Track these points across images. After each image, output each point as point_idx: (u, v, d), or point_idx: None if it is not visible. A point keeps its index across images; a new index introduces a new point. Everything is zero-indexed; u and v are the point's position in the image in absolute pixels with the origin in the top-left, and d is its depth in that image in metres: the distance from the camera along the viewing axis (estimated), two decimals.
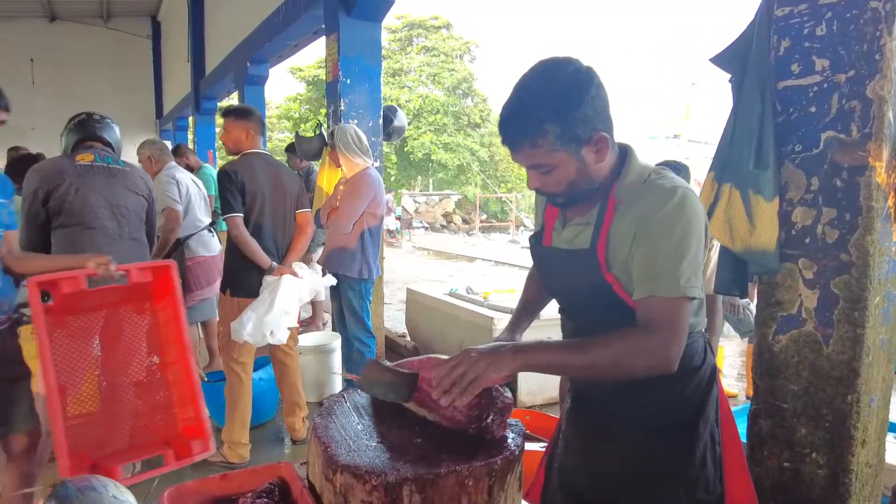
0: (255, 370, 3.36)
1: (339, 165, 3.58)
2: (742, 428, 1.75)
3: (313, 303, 5.20)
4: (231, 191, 2.93)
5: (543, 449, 1.65)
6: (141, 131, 12.99)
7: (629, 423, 1.31)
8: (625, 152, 1.27)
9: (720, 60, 1.66)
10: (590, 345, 1.15)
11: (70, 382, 2.04)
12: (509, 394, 1.20)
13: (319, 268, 4.57)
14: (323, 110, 21.33)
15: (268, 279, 2.97)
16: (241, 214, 2.94)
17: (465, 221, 24.65)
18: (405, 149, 25.21)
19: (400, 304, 7.07)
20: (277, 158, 3.38)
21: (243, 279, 2.99)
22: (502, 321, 3.79)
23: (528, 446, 1.38)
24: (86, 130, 2.85)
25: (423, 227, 22.47)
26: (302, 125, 23.61)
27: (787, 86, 1.57)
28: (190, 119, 12.24)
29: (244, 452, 3.02)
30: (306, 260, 4.50)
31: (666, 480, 1.29)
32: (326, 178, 4.12)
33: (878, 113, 1.41)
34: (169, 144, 11.72)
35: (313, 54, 27.12)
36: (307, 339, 4.09)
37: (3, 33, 12.89)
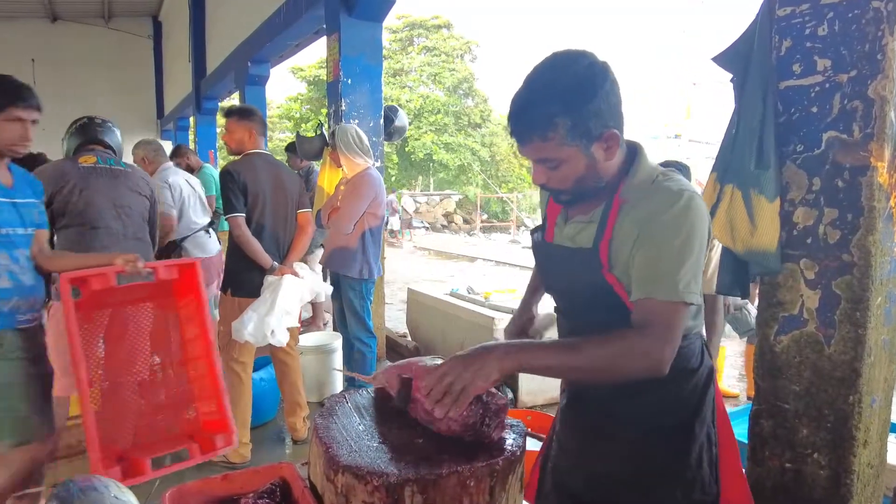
0: (255, 370, 3.37)
1: (339, 165, 3.58)
2: (743, 428, 1.76)
3: (314, 303, 5.20)
4: (233, 191, 2.93)
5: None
6: (142, 131, 13.01)
7: (626, 423, 1.31)
8: (634, 151, 1.25)
9: (722, 60, 1.66)
10: (582, 345, 1.12)
11: (96, 377, 2.09)
12: (507, 393, 1.20)
13: (320, 269, 4.58)
14: (324, 110, 21.34)
15: (269, 279, 2.98)
16: (244, 214, 2.95)
17: (465, 221, 24.65)
18: (406, 149, 25.22)
19: (401, 304, 7.07)
20: (278, 158, 3.39)
21: (244, 279, 2.99)
22: (503, 321, 3.78)
23: (530, 446, 1.38)
24: (87, 134, 2.90)
25: (424, 227, 22.47)
26: (303, 125, 23.61)
27: (789, 86, 1.57)
28: (191, 119, 12.25)
29: (245, 452, 3.03)
30: (305, 261, 4.50)
31: (663, 481, 1.29)
32: (327, 179, 4.12)
33: (879, 113, 1.41)
34: (170, 144, 11.73)
35: (314, 54, 27.14)
36: (308, 339, 4.09)
37: (4, 33, 12.91)
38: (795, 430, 1.58)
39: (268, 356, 3.41)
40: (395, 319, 6.44)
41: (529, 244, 1.54)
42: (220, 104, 10.81)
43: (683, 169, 3.11)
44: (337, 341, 3.93)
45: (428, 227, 22.84)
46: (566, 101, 1.10)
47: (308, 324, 5.37)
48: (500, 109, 27.63)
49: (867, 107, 1.42)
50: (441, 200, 25.28)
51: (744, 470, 1.67)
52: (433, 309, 4.82)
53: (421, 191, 27.87)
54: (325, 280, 4.22)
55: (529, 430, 1.97)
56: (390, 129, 4.81)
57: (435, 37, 27.44)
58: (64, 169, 2.73)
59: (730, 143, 1.63)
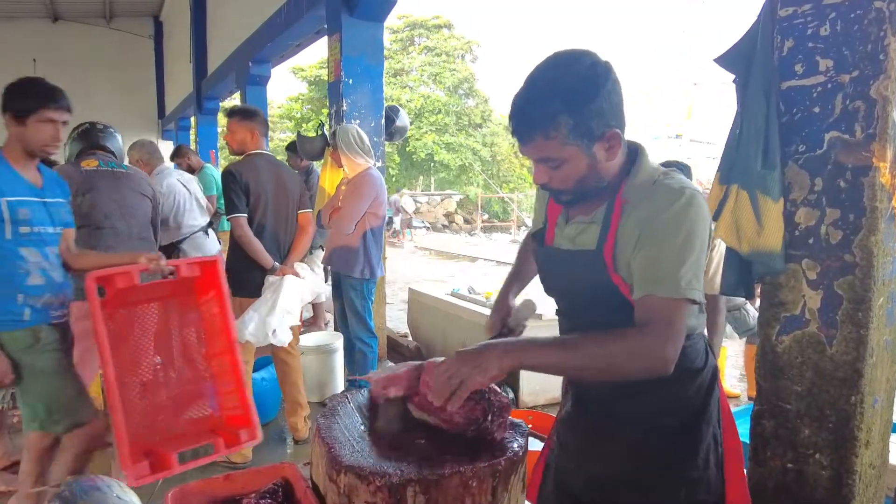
0: (256, 370, 3.37)
1: (341, 165, 3.58)
2: (744, 428, 1.76)
3: (315, 303, 5.20)
4: (235, 191, 2.94)
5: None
6: (143, 131, 13.03)
7: (630, 423, 1.30)
8: (635, 151, 1.25)
9: (724, 61, 1.66)
10: (582, 343, 1.11)
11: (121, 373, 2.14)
12: (508, 393, 1.20)
13: (320, 269, 4.58)
14: (325, 110, 21.34)
15: (270, 279, 2.98)
16: (246, 215, 2.96)
17: (466, 221, 24.63)
18: (407, 149, 25.22)
19: (402, 304, 7.07)
20: (278, 158, 3.40)
21: (246, 279, 2.99)
22: None
23: (532, 447, 1.38)
24: (89, 139, 2.97)
25: (425, 226, 22.47)
26: (304, 125, 23.63)
27: (791, 86, 1.56)
28: (192, 119, 12.25)
29: (247, 452, 3.03)
30: (306, 262, 4.50)
31: (667, 481, 1.28)
32: (329, 179, 4.12)
33: (882, 113, 1.41)
34: (171, 144, 11.73)
35: (315, 54, 27.11)
36: (309, 339, 4.09)
37: (5, 33, 12.92)
38: (797, 431, 1.58)
39: (269, 356, 3.42)
40: (396, 319, 6.44)
41: (521, 240, 1.54)
42: (221, 104, 10.83)
43: (685, 169, 3.11)
44: (338, 341, 3.94)
45: (429, 227, 22.84)
46: (568, 100, 1.10)
47: (309, 324, 5.37)
48: (501, 109, 27.65)
49: (869, 107, 1.42)
50: (442, 200, 25.27)
51: (745, 470, 1.68)
52: (434, 309, 4.82)
53: (422, 191, 27.87)
54: (326, 280, 4.22)
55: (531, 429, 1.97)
56: (391, 129, 4.81)
57: (436, 37, 27.43)
58: (67, 172, 2.78)
59: (734, 144, 1.63)
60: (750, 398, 4.04)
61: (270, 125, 4.65)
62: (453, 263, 13.70)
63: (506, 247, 17.38)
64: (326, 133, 4.26)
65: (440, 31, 27.54)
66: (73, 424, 2.13)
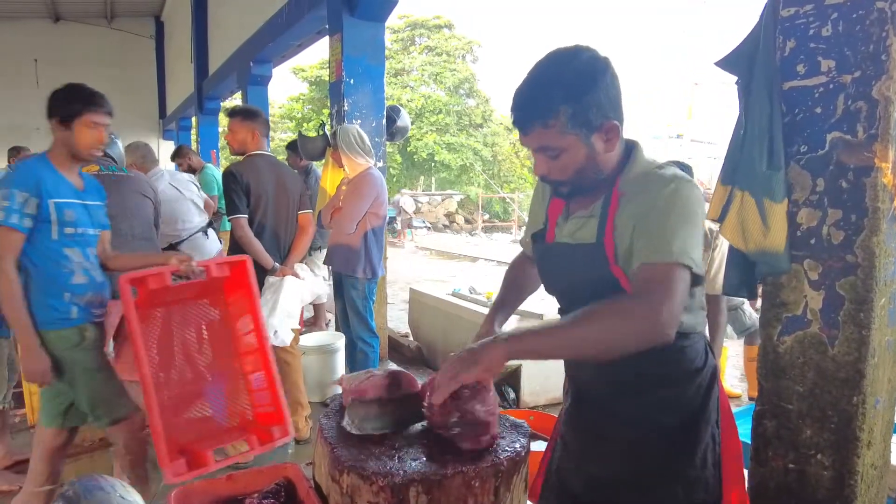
0: None
1: (341, 166, 3.58)
2: (746, 428, 1.76)
3: (316, 304, 5.20)
4: (236, 192, 2.95)
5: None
6: (144, 131, 13.04)
7: (630, 423, 1.30)
8: (631, 147, 1.27)
9: (725, 63, 1.66)
10: (576, 321, 1.08)
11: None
12: (509, 394, 1.19)
13: (322, 269, 4.58)
14: (325, 110, 21.32)
15: (270, 280, 2.99)
16: (246, 215, 2.96)
17: (467, 221, 24.62)
18: (409, 149, 25.22)
19: (403, 304, 7.07)
20: (279, 158, 3.40)
21: None
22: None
23: (534, 447, 1.38)
24: None
25: (426, 226, 22.46)
26: (305, 124, 23.65)
27: (793, 86, 1.56)
28: (193, 119, 12.26)
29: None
30: (306, 263, 4.50)
31: (666, 481, 1.29)
32: (330, 179, 4.12)
33: (884, 114, 1.41)
34: (172, 145, 11.72)
35: (315, 55, 27.11)
36: (310, 339, 4.09)
37: (7, 34, 12.94)
38: (799, 431, 1.58)
39: None
40: (396, 319, 6.44)
41: (521, 238, 1.54)
42: (222, 104, 10.83)
43: (686, 169, 3.10)
44: (339, 341, 3.94)
45: (429, 227, 22.83)
46: (567, 90, 1.13)
47: (310, 324, 5.37)
48: (502, 109, 27.61)
49: (871, 107, 1.42)
50: (443, 200, 25.25)
51: (745, 470, 1.68)
52: (435, 309, 4.82)
53: (423, 190, 27.87)
54: (328, 280, 4.21)
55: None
56: (392, 130, 4.81)
57: (437, 36, 27.43)
58: None
59: (738, 145, 1.63)
60: (751, 398, 4.04)
61: (271, 125, 4.65)
62: (454, 263, 13.70)
63: (506, 247, 17.38)
64: (328, 133, 4.26)
65: (441, 31, 27.54)
66: (114, 419, 2.21)
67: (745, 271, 1.65)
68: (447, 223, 24.27)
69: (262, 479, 1.24)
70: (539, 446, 1.86)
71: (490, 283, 5.51)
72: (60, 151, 2.15)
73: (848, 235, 1.47)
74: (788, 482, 1.61)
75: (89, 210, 2.21)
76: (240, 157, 3.13)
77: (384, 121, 4.69)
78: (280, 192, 3.10)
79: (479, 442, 1.10)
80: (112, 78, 13.87)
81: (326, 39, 4.93)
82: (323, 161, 4.39)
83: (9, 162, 6.11)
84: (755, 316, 3.81)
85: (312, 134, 4.43)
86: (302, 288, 3.08)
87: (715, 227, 2.50)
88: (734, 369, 4.84)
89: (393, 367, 1.33)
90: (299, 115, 26.19)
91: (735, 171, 1.63)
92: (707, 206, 1.77)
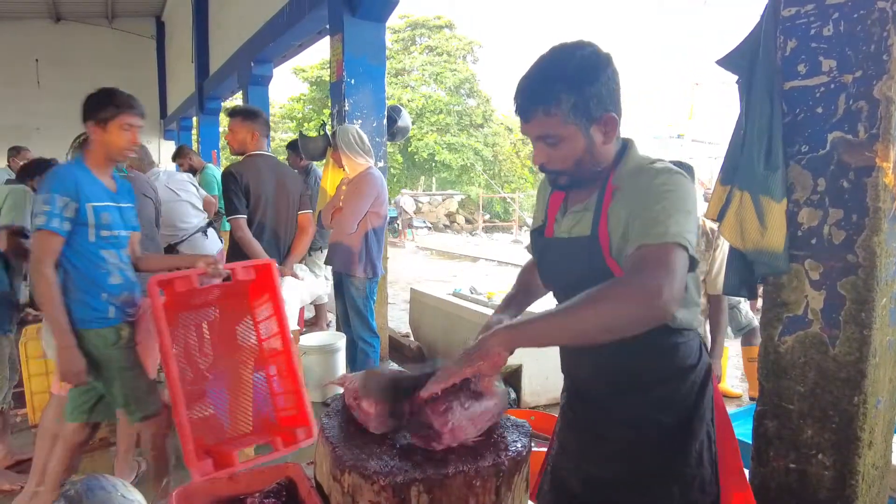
0: None
1: (341, 166, 3.59)
2: (747, 429, 1.76)
3: (317, 304, 5.20)
4: (235, 192, 2.95)
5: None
6: (145, 131, 12.98)
7: (625, 421, 1.31)
8: (626, 143, 1.30)
9: (726, 62, 1.66)
10: (576, 304, 1.05)
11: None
12: (510, 394, 1.18)
13: (324, 270, 4.58)
14: (326, 110, 21.30)
15: None
16: (245, 216, 2.97)
17: (468, 221, 24.61)
18: (409, 149, 25.21)
19: (404, 304, 7.07)
20: (280, 158, 3.40)
21: None
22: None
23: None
24: None
25: (427, 226, 22.45)
26: (305, 124, 23.64)
27: (794, 86, 1.56)
28: (194, 119, 12.27)
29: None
30: (306, 263, 4.50)
31: (661, 479, 1.29)
32: (331, 180, 4.12)
33: (885, 114, 1.41)
34: (173, 145, 11.71)
35: (316, 55, 27.11)
36: (311, 339, 4.09)
37: (8, 34, 12.95)
38: (800, 431, 1.58)
39: None
40: (397, 319, 6.44)
41: (527, 243, 1.55)
42: (223, 104, 10.83)
43: (687, 169, 3.10)
44: (340, 341, 3.94)
45: (430, 227, 22.83)
46: (571, 79, 1.17)
47: (312, 324, 5.37)
48: (503, 109, 27.61)
49: (872, 107, 1.42)
50: (443, 200, 25.24)
51: (746, 470, 1.68)
52: (436, 309, 4.82)
53: (423, 190, 27.86)
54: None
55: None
56: (393, 130, 4.81)
57: (437, 36, 27.41)
58: None
59: (738, 145, 1.63)
60: (751, 398, 4.04)
61: (272, 125, 4.64)
62: (455, 263, 13.70)
63: (507, 247, 17.38)
64: (328, 133, 4.26)
65: (442, 31, 27.52)
66: (145, 416, 2.27)
67: (745, 271, 1.65)
68: (448, 223, 24.25)
69: (264, 478, 1.24)
70: (540, 446, 1.86)
71: (491, 284, 5.52)
72: (96, 153, 2.21)
73: (849, 235, 1.47)
74: (790, 482, 1.61)
75: (122, 212, 2.27)
76: (240, 158, 3.14)
77: (385, 121, 4.69)
78: (280, 193, 3.10)
79: (427, 443, 1.09)
80: (113, 78, 13.75)
81: (327, 39, 4.93)
82: (324, 161, 4.39)
83: (8, 162, 6.11)
84: (751, 315, 3.83)
85: (313, 134, 4.43)
86: (301, 288, 3.08)
87: (716, 227, 2.51)
88: (735, 369, 4.83)
89: (394, 367, 1.33)
90: (300, 116, 26.19)
91: (735, 170, 1.63)
92: (707, 205, 1.78)
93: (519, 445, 1.13)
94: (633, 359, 1.26)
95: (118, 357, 2.20)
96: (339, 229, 3.46)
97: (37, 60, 13.21)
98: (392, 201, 17.71)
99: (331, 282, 4.16)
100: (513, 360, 3.80)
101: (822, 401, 1.54)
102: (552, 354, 1.47)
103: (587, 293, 1.05)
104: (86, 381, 2.14)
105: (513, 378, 3.79)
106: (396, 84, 25.99)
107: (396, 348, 5.08)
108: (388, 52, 7.52)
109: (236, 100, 11.00)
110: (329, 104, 5.21)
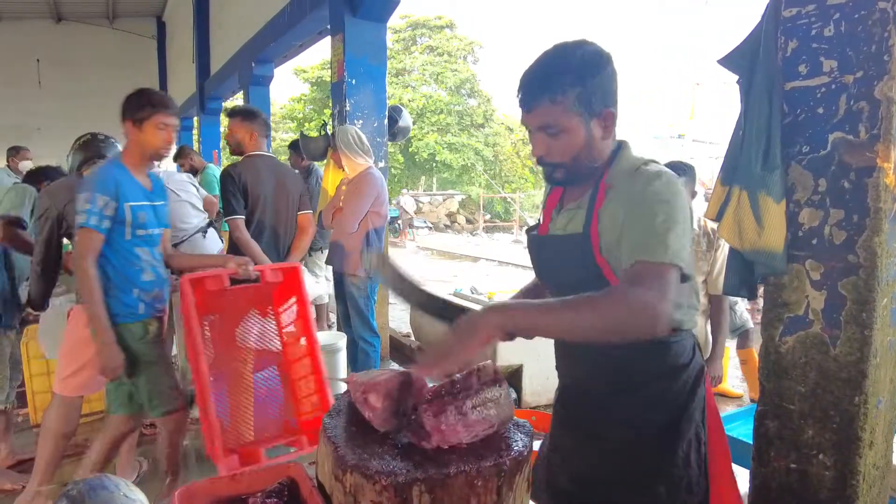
0: None
1: (341, 166, 3.59)
2: (748, 429, 1.76)
3: (318, 304, 5.20)
4: (234, 192, 2.95)
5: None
6: None
7: (615, 420, 1.32)
8: (620, 143, 1.32)
9: (727, 62, 1.66)
10: (576, 303, 1.06)
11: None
12: (511, 394, 1.18)
13: (326, 270, 4.58)
14: (327, 111, 21.30)
15: None
16: (243, 216, 2.97)
17: (468, 221, 24.62)
18: (410, 149, 25.21)
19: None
20: (281, 158, 3.40)
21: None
22: None
23: (536, 447, 1.38)
24: (90, 150, 3.06)
25: (427, 226, 22.45)
26: (306, 124, 23.64)
27: (795, 87, 1.56)
28: (195, 119, 12.27)
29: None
30: (306, 264, 4.49)
31: (647, 479, 1.29)
32: (331, 180, 4.13)
33: (886, 114, 1.41)
34: (174, 145, 11.64)
35: (316, 55, 27.11)
36: None
37: (9, 34, 12.96)
38: (801, 431, 1.58)
39: None
40: (398, 319, 6.44)
41: (525, 243, 1.55)
42: (223, 104, 10.84)
43: (688, 169, 3.11)
44: (341, 341, 3.94)
45: (431, 227, 22.83)
46: (576, 72, 1.20)
47: None
48: (504, 109, 27.61)
49: (873, 108, 1.42)
50: (444, 200, 25.24)
51: (748, 471, 1.68)
52: None
53: (424, 190, 27.85)
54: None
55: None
56: (394, 130, 4.82)
57: (438, 36, 27.40)
58: (70, 184, 2.84)
59: (737, 145, 1.63)
60: (752, 399, 4.04)
61: (273, 126, 4.64)
62: (455, 263, 13.70)
63: (508, 247, 17.38)
64: (329, 133, 4.27)
65: (442, 31, 27.51)
66: (167, 411, 2.31)
67: (745, 272, 1.66)
68: (448, 223, 24.26)
69: (266, 478, 1.24)
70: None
71: (491, 284, 5.52)
72: (133, 153, 2.26)
73: (850, 236, 1.47)
74: (790, 482, 1.61)
75: (156, 210, 2.32)
76: (239, 158, 3.14)
77: (386, 121, 4.69)
78: (279, 193, 3.10)
79: (418, 440, 1.08)
80: (113, 78, 13.87)
81: (328, 40, 4.93)
82: (325, 161, 4.40)
83: (8, 162, 6.11)
84: (746, 316, 3.85)
85: (314, 134, 4.44)
86: None
87: (717, 227, 2.51)
88: (735, 369, 4.83)
89: (395, 366, 1.33)
90: (301, 116, 26.19)
91: (734, 171, 1.63)
92: (706, 206, 1.78)
93: (520, 445, 1.13)
94: (625, 356, 1.26)
95: (145, 351, 2.24)
96: (339, 229, 3.46)
97: (38, 60, 13.21)
98: (393, 201, 17.73)
99: (331, 282, 4.16)
100: (513, 360, 3.80)
101: (822, 401, 1.54)
102: (553, 354, 1.47)
103: (588, 297, 1.07)
104: (117, 377, 2.18)
105: (513, 378, 3.79)
106: (397, 84, 25.98)
107: (397, 348, 5.08)
108: (388, 52, 7.52)
109: (237, 100, 11.00)
110: (330, 104, 5.21)
